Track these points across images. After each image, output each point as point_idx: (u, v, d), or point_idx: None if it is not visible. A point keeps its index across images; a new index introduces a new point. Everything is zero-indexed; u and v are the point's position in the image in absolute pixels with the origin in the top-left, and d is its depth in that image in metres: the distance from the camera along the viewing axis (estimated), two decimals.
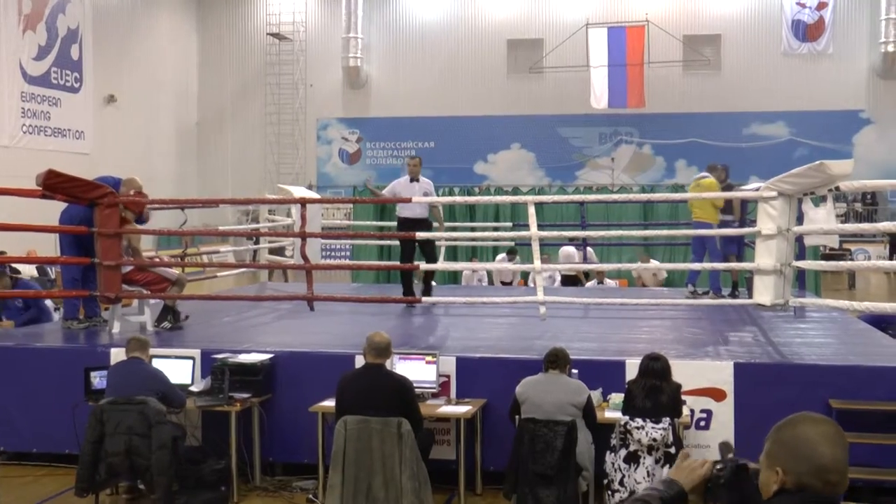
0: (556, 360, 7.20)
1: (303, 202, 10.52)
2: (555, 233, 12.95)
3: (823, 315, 11.18)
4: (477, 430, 7.97)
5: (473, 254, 20.17)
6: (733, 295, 12.46)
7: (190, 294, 13.53)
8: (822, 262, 12.43)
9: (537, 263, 9.49)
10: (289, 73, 29.40)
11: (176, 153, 29.04)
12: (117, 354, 8.39)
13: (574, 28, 26.92)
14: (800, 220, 9.03)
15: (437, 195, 12.90)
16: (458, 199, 11.63)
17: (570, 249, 16.45)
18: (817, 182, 8.28)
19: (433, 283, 12.49)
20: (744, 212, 12.58)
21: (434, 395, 8.06)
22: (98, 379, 8.17)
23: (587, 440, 7.08)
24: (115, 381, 7.51)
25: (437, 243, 13.36)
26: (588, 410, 7.05)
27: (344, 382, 7.03)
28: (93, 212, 9.65)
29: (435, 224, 12.17)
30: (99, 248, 9.65)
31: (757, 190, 9.71)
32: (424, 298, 10.84)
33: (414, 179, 12.06)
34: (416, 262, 11.56)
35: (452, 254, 18.90)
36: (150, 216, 10.74)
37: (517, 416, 7.09)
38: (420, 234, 10.88)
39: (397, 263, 11.85)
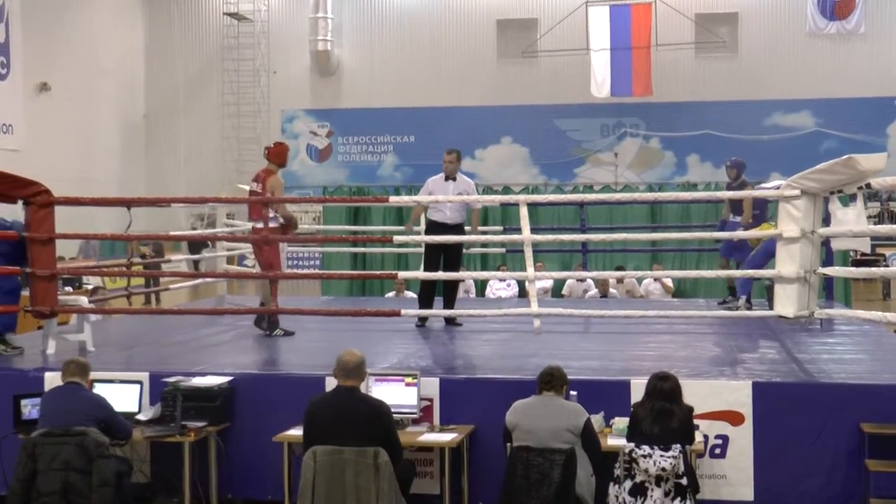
0: (552, 381, 7.20)
1: (265, 202, 10.52)
2: (550, 237, 12.97)
3: (854, 328, 11.22)
4: (463, 461, 7.96)
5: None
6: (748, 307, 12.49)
7: (137, 308, 13.51)
8: (852, 269, 12.48)
9: (531, 271, 9.50)
10: (249, 58, 29.37)
11: (120, 150, 28.95)
12: (52, 379, 8.34)
13: (572, 6, 27.01)
14: (826, 221, 9.07)
15: (416, 194, 12.76)
16: (441, 198, 11.61)
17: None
18: (846, 178, 8.32)
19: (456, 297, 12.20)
20: (763, 214, 12.60)
21: (415, 422, 8.04)
22: (30, 408, 8.11)
23: (587, 470, 7.09)
24: (49, 410, 7.46)
25: (466, 250, 13.20)
26: (587, 436, 7.05)
27: (313, 408, 7.01)
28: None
29: (467, 229, 12.02)
30: (31, 255, 9.59)
31: (778, 188, 9.75)
32: (404, 311, 10.78)
33: (450, 178, 11.62)
34: (394, 272, 11.50)
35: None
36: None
37: (508, 445, 7.10)
38: (399, 238, 10.83)
39: (374, 272, 11.80)
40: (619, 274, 15.99)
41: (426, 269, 11.55)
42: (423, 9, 28.86)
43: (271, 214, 10.62)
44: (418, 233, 12.16)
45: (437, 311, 11.43)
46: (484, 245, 17.20)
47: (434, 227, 11.49)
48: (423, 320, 11.56)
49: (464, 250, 12.91)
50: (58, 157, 24.03)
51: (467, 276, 15.67)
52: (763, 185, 14.34)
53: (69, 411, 7.34)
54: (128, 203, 10.95)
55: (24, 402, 8.19)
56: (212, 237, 15.71)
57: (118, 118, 29.03)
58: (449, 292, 11.84)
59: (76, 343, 10.15)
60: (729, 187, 13.02)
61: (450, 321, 11.60)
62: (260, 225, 10.65)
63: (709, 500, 7.69)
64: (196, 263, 18.24)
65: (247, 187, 15.66)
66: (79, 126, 26.70)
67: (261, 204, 10.59)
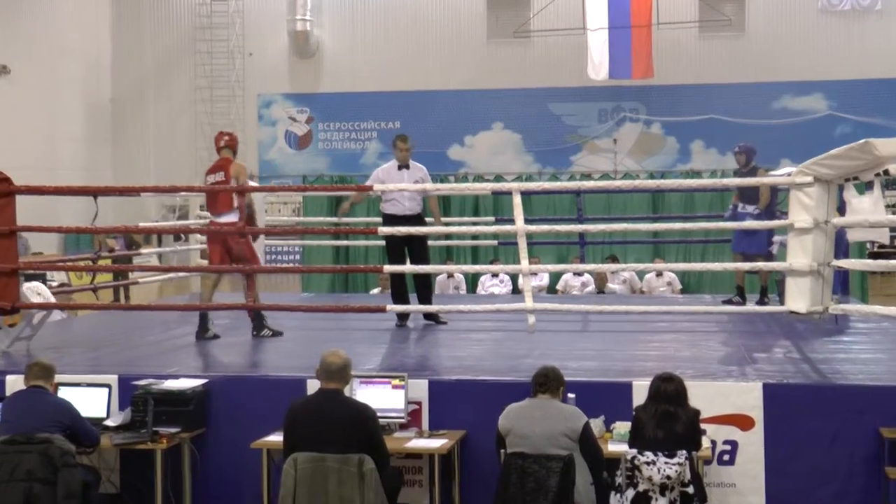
0: (547, 383, 7.19)
1: (241, 191, 10.48)
2: (545, 227, 12.97)
3: (871, 325, 11.25)
4: (454, 468, 7.96)
5: (448, 255, 20.18)
6: (762, 302, 12.52)
7: (104, 304, 13.47)
8: (869, 262, 12.52)
9: (524, 264, 9.49)
10: (223, 38, 29.25)
11: (85, 137, 28.81)
12: (14, 383, 8.31)
13: None
14: (841, 210, 9.08)
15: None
16: (429, 186, 11.58)
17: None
18: (862, 164, 8.31)
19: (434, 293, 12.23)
20: (773, 202, 12.63)
21: (402, 427, 8.04)
22: None
23: (586, 478, 7.07)
24: (11, 416, 7.42)
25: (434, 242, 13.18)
26: (586, 442, 7.03)
27: (293, 412, 7.00)
28: None
29: (430, 220, 12.02)
30: None
31: (789, 175, 9.75)
32: (389, 307, 10.72)
33: (403, 166, 11.65)
34: (379, 265, 11.45)
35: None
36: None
37: (502, 451, 7.08)
38: (384, 230, 10.76)
39: (357, 266, 11.75)
40: (618, 267, 16.00)
41: (391, 263, 11.50)
42: None
43: (235, 204, 10.55)
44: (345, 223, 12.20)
45: (428, 307, 11.40)
46: (475, 237, 17.19)
47: (391, 221, 11.41)
48: (403, 319, 11.54)
49: (429, 242, 12.91)
50: (18, 144, 23.86)
51: (457, 270, 15.65)
52: (773, 172, 14.35)
53: (32, 417, 7.31)
54: (94, 192, 10.91)
55: None
56: (184, 230, 15.66)
57: (83, 102, 28.88)
58: (423, 288, 11.77)
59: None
60: (738, 174, 13.03)
61: (430, 318, 11.59)
62: (230, 217, 10.57)
63: None
64: (159, 257, 18.22)
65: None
66: (41, 111, 26.55)
67: (230, 194, 10.52)
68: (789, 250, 9.02)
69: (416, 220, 11.47)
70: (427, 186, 11.34)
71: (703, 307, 12.54)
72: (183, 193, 17.57)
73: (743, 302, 12.62)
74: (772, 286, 12.88)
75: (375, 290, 16.22)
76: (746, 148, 12.97)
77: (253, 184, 15.53)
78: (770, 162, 21.44)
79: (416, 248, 11.55)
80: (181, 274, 14.49)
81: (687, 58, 27.17)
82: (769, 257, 12.39)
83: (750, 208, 12.40)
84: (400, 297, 11.56)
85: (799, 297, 8.82)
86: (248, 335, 10.70)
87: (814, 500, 7.74)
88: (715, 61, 27.22)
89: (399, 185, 11.06)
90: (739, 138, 15.82)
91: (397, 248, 11.52)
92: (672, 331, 11.13)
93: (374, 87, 28.46)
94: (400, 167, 11.64)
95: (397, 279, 11.60)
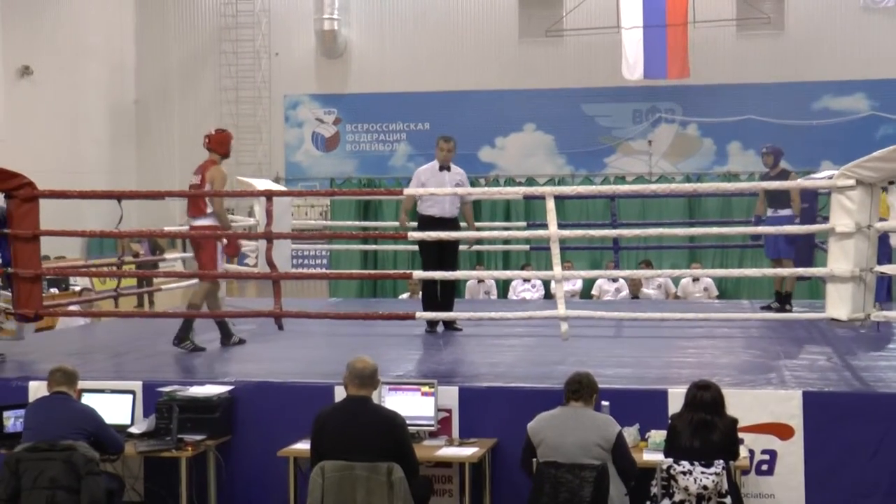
0: (580, 390, 7.18)
1: (268, 195, 10.52)
2: (579, 232, 12.92)
3: None
4: (485, 477, 7.97)
5: (479, 260, 20.20)
6: (783, 309, 12.44)
7: (128, 311, 13.55)
8: None
9: (557, 270, 9.49)
10: (249, 38, 29.38)
11: (109, 139, 28.99)
12: (37, 389, 8.38)
13: None
14: None
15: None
16: (460, 190, 11.60)
17: None
18: None
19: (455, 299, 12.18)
20: (814, 207, 12.54)
21: (432, 435, 8.05)
22: (13, 420, 8.16)
23: (621, 489, 7.07)
24: (34, 423, 7.48)
25: (468, 249, 13.18)
26: (619, 451, 7.02)
27: (321, 420, 7.02)
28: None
29: (463, 225, 12.01)
30: (14, 253, 9.62)
31: (830, 178, 9.70)
32: (419, 314, 10.76)
33: (444, 167, 11.65)
34: (408, 271, 11.43)
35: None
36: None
37: (534, 460, 7.08)
38: (414, 235, 10.75)
39: (386, 272, 11.76)
40: (653, 273, 15.97)
41: (426, 270, 11.44)
42: None
43: (208, 210, 10.50)
44: (413, 227, 12.10)
45: (458, 315, 11.42)
46: (506, 242, 17.20)
47: (429, 223, 11.39)
48: (433, 325, 11.56)
49: (466, 248, 12.93)
50: (41, 147, 24.04)
51: (489, 276, 15.68)
52: (813, 175, 14.27)
53: (55, 424, 7.35)
54: (118, 196, 10.99)
55: (6, 413, 8.23)
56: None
57: (107, 104, 29.05)
58: (448, 295, 11.79)
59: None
60: (767, 177, 12.96)
61: (448, 325, 11.59)
62: (203, 222, 10.55)
63: None
64: (183, 262, 18.25)
65: (248, 180, 15.71)
66: (64, 113, 26.71)
67: (203, 199, 10.47)
68: (830, 256, 8.98)
69: (453, 223, 11.48)
70: (467, 190, 11.32)
71: (741, 314, 12.49)
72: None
73: (781, 307, 12.55)
74: (812, 292, 12.81)
75: (404, 295, 16.24)
76: (774, 149, 12.90)
77: (280, 188, 15.61)
78: (810, 164, 21.38)
79: (449, 253, 11.53)
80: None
81: (724, 57, 27.07)
82: (800, 262, 12.23)
83: (783, 212, 12.31)
84: (431, 302, 11.59)
85: (840, 304, 8.77)
86: (274, 341, 10.73)
87: None
88: (753, 60, 27.10)
89: (444, 189, 11.10)
90: (778, 140, 15.74)
91: (433, 252, 11.47)
92: (709, 337, 11.10)
93: (403, 88, 28.48)
94: (441, 168, 11.65)
95: (429, 284, 11.61)
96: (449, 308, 11.59)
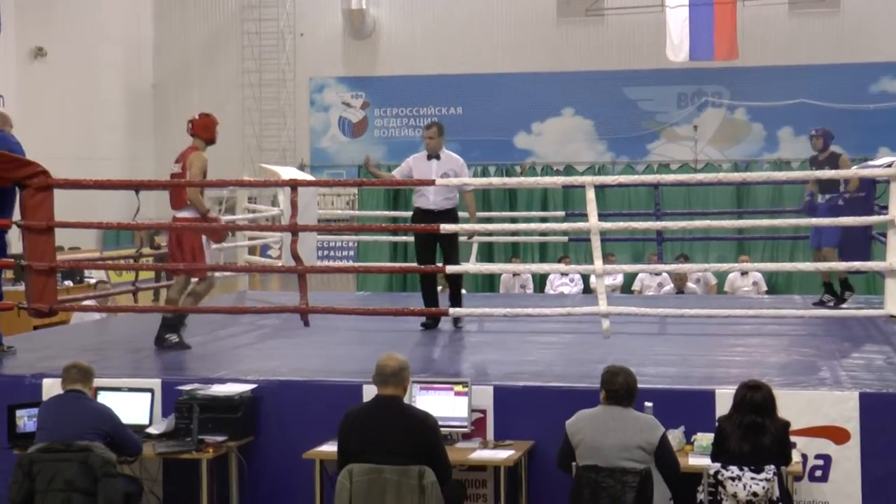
0: (620, 390, 7.15)
1: (293, 185, 10.54)
2: (621, 224, 12.92)
3: None
4: (521, 482, 7.97)
5: (514, 253, 20.18)
6: (840, 300, 12.34)
7: (145, 307, 13.62)
8: None
9: (598, 264, 9.47)
10: (272, 18, 29.45)
11: (126, 124, 29.14)
12: (52, 387, 8.43)
13: None
14: None
15: (469, 176, 12.58)
16: (495, 180, 11.60)
17: None
18: None
19: (463, 292, 12.26)
20: (871, 196, 12.45)
21: (466, 437, 8.06)
22: (26, 419, 8.21)
23: (665, 494, 7.06)
24: (49, 422, 7.53)
25: (468, 240, 13.17)
26: (663, 455, 7.00)
27: (349, 420, 7.04)
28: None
29: (465, 216, 11.99)
30: (27, 245, 9.68)
31: (889, 165, 9.65)
32: (452, 310, 10.81)
33: (433, 156, 11.58)
34: (440, 265, 11.40)
35: (488, 253, 18.87)
36: None
37: (573, 464, 7.07)
38: (447, 227, 10.75)
39: (417, 265, 11.74)
40: (700, 267, 15.92)
41: (419, 264, 11.53)
42: None
43: (187, 203, 10.46)
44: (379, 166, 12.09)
45: (492, 311, 11.44)
46: (544, 233, 17.18)
47: (419, 216, 11.48)
48: (433, 321, 11.48)
49: (466, 240, 12.82)
50: (55, 133, 24.18)
51: (525, 270, 15.67)
52: (871, 162, 14.17)
53: (70, 424, 7.40)
54: (136, 186, 11.03)
55: (19, 412, 8.28)
56: (232, 226, 15.80)
57: (124, 88, 29.19)
58: (453, 288, 11.69)
59: None
60: (815, 160, 12.84)
61: (454, 304, 11.48)
62: (186, 214, 10.52)
63: None
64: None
65: (272, 167, 15.75)
66: (79, 97, 26.85)
67: (182, 189, 10.39)
68: (889, 248, 8.93)
69: (446, 215, 11.31)
70: (460, 181, 11.16)
71: (793, 310, 12.43)
72: (231, 187, 17.65)
73: (837, 298, 12.44)
74: (871, 286, 12.72)
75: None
76: (823, 131, 12.77)
77: (306, 176, 15.63)
78: (867, 150, 21.26)
79: (446, 247, 11.44)
80: (227, 273, 14.56)
81: (775, 37, 26.93)
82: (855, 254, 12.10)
83: (828, 196, 12.21)
84: (431, 296, 11.57)
85: None
86: (299, 337, 10.75)
87: None
88: (806, 40, 26.94)
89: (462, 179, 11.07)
90: (833, 125, 15.57)
91: (424, 246, 11.50)
92: (758, 334, 11.06)
93: (434, 71, 28.49)
94: (430, 157, 11.55)
95: (425, 279, 11.63)
96: (458, 303, 11.50)
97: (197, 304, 10.74)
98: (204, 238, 10.48)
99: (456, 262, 11.40)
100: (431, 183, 10.82)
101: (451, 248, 11.50)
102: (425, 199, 11.43)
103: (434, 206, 11.37)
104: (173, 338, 10.37)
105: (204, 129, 10.78)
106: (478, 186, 11.31)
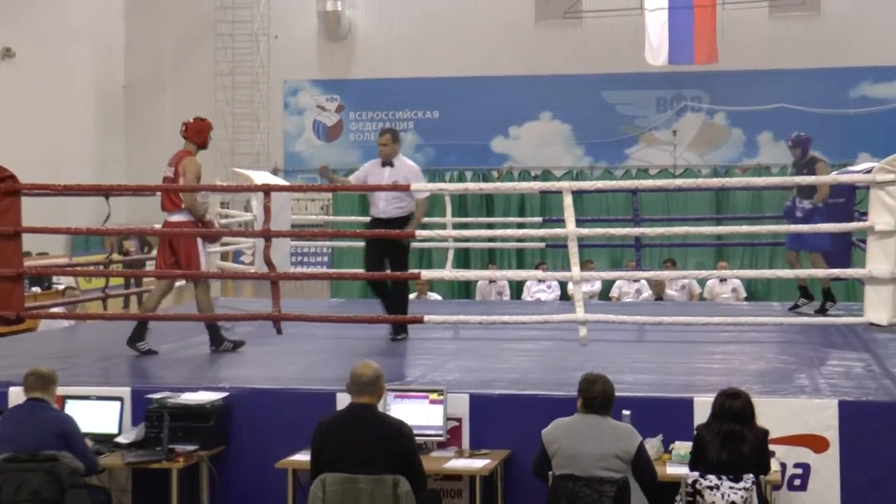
0: (596, 398, 7.16)
1: (266, 190, 10.53)
2: (599, 230, 12.95)
3: None
4: (497, 491, 7.97)
5: (491, 259, 20.19)
6: (823, 307, 12.38)
7: (115, 314, 13.56)
8: None
9: (576, 271, 9.49)
10: (246, 19, 29.42)
11: (96, 126, 29.04)
12: (18, 395, 8.37)
13: None
14: None
15: (445, 181, 12.58)
16: (472, 185, 11.59)
17: None
18: None
19: (409, 299, 12.10)
20: (851, 202, 12.51)
21: (441, 445, 8.06)
22: None
23: (642, 503, 7.07)
24: (11, 431, 7.46)
25: (444, 246, 13.15)
26: (640, 464, 7.01)
27: (322, 429, 7.02)
28: None
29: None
30: None
31: (869, 171, 9.69)
32: (427, 317, 10.76)
33: (386, 163, 11.40)
34: (416, 271, 11.37)
35: (464, 259, 18.89)
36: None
37: (550, 473, 7.07)
38: (422, 233, 10.76)
39: (392, 272, 11.69)
40: (678, 274, 15.94)
41: (367, 270, 11.53)
42: None
43: (184, 205, 10.45)
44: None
45: (467, 318, 11.43)
46: (521, 239, 17.19)
47: (371, 223, 11.51)
48: (400, 331, 11.44)
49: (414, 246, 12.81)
50: (22, 134, 24.09)
51: (501, 277, 15.69)
52: (850, 167, 14.22)
53: (32, 433, 7.33)
54: (106, 191, 10.99)
55: None
56: (204, 232, 15.75)
57: (94, 89, 29.08)
58: (398, 296, 11.56)
59: None
60: (797, 167, 12.82)
61: (394, 332, 11.38)
62: (179, 217, 10.50)
63: None
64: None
65: (246, 172, 15.72)
66: (48, 98, 26.74)
67: (177, 192, 10.41)
68: (869, 255, 8.97)
69: (396, 224, 11.19)
70: (424, 186, 11.13)
71: (772, 317, 12.46)
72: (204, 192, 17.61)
73: (809, 303, 12.43)
74: (852, 293, 12.75)
75: (411, 296, 16.25)
76: (800, 139, 12.56)
77: (279, 180, 15.60)
78: (847, 156, 21.38)
79: (392, 254, 11.35)
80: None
81: (755, 41, 27.03)
82: (830, 256, 12.13)
83: (805, 203, 12.21)
84: (384, 303, 11.48)
85: (880, 307, 8.78)
86: (272, 345, 10.72)
87: None
88: (787, 45, 27.05)
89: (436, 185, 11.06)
90: (813, 130, 15.58)
91: (370, 254, 11.48)
92: (737, 342, 11.07)
93: (410, 74, 28.50)
94: (383, 164, 11.43)
95: (375, 285, 11.64)
96: (403, 311, 11.39)
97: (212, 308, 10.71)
98: (200, 242, 10.46)
99: (404, 269, 11.46)
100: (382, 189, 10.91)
101: (401, 261, 11.42)
102: (376, 208, 11.36)
103: (384, 214, 11.28)
104: (144, 346, 10.35)
105: (197, 134, 10.75)
106: (454, 191, 11.30)
